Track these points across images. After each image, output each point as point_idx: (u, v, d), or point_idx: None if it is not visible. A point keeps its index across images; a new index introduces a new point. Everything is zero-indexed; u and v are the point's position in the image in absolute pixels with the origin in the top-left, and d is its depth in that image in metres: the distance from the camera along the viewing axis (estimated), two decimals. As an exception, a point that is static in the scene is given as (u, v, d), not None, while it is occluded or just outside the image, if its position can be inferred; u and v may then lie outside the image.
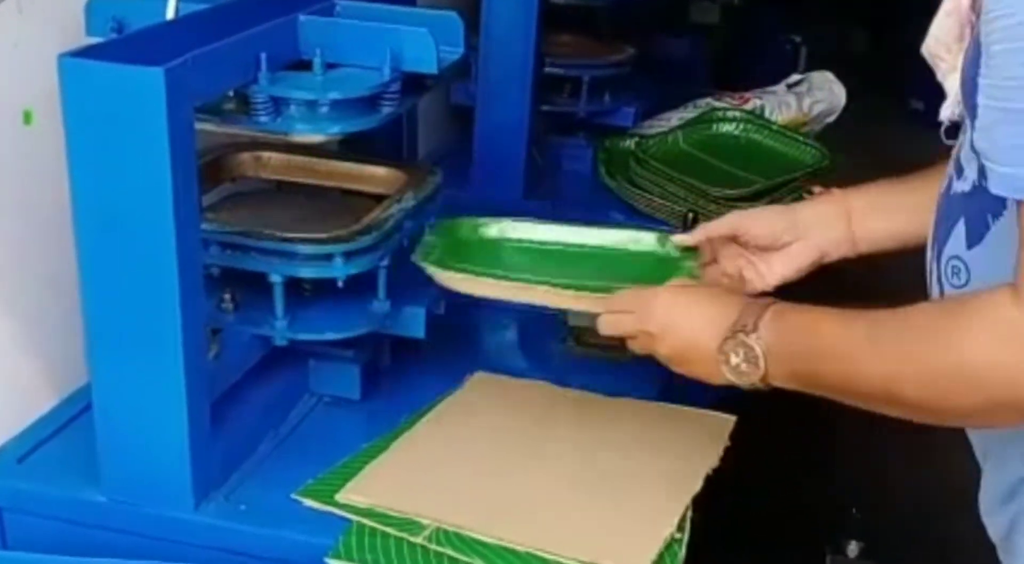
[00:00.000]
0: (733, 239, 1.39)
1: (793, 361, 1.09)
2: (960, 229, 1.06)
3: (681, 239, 1.44)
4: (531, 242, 1.49)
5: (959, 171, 1.06)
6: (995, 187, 0.94)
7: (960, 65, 1.02)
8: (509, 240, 1.49)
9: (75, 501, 1.26)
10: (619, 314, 1.26)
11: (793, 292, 1.29)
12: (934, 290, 1.11)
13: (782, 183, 2.16)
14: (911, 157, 1.30)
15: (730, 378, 1.13)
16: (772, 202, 2.01)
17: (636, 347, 1.25)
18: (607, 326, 1.27)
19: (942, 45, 1.07)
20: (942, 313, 1.01)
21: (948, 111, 1.07)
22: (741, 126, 2.40)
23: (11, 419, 1.35)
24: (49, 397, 1.41)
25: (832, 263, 1.37)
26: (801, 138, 2.38)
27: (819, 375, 1.08)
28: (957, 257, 1.06)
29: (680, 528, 1.25)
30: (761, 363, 1.10)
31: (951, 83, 1.06)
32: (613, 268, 1.45)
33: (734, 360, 1.11)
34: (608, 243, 1.49)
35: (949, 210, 1.08)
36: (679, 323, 1.19)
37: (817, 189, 1.41)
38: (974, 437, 1.15)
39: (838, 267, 1.36)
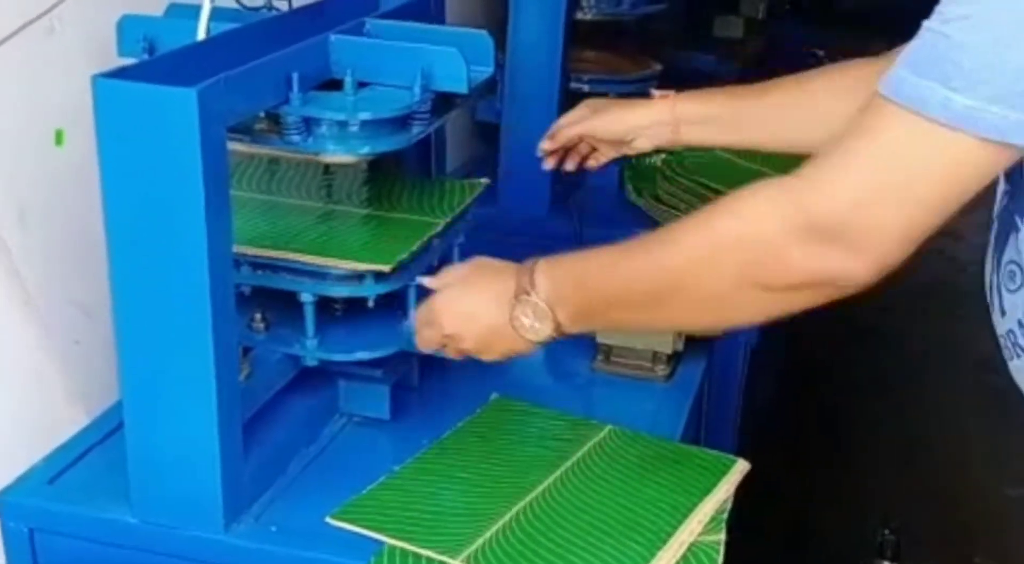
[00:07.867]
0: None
1: (573, 298, 1.19)
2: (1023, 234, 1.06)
3: (542, 147, 1.67)
4: None
5: None
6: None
7: None
8: None
9: (105, 522, 1.25)
10: (422, 330, 1.32)
11: (805, 329, 1.28)
12: (994, 302, 1.12)
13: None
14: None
15: (530, 339, 1.21)
16: None
17: (453, 354, 1.32)
18: (421, 344, 1.34)
19: None
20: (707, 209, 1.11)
21: None
22: None
23: (42, 440, 1.35)
24: (80, 417, 1.41)
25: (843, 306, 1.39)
26: None
27: (596, 299, 1.19)
28: (1014, 262, 1.07)
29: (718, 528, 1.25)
30: (548, 313, 1.19)
31: None
32: None
33: (526, 322, 1.20)
34: None
35: (1008, 218, 1.09)
36: (469, 314, 1.26)
37: (657, 94, 1.60)
38: None
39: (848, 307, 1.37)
